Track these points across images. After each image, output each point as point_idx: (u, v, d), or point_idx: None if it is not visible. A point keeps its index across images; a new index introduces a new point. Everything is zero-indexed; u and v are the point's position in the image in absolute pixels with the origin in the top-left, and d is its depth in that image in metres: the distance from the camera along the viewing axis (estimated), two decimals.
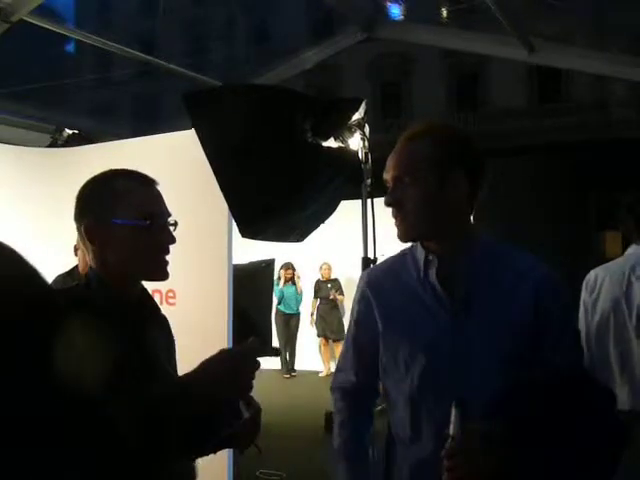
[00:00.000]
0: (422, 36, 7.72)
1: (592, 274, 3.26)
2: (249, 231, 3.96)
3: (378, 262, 2.41)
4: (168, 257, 1.69)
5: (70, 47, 32.90)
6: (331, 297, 10.72)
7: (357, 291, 2.06)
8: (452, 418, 1.58)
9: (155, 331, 1.75)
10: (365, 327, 2.00)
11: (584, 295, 3.23)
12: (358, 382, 2.08)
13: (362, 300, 2.01)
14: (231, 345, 4.94)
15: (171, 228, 1.70)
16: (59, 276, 3.51)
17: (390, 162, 1.86)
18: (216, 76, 7.94)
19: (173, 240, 1.68)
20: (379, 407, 2.17)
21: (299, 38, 23.10)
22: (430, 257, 1.85)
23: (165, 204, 1.72)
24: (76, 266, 3.44)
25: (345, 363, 2.12)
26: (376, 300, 1.96)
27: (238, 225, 3.97)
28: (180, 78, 8.04)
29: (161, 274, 1.69)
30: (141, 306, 1.71)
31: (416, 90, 27.06)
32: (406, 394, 1.87)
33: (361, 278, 2.08)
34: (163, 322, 1.84)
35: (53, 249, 4.68)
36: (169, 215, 1.71)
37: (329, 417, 6.80)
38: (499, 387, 1.72)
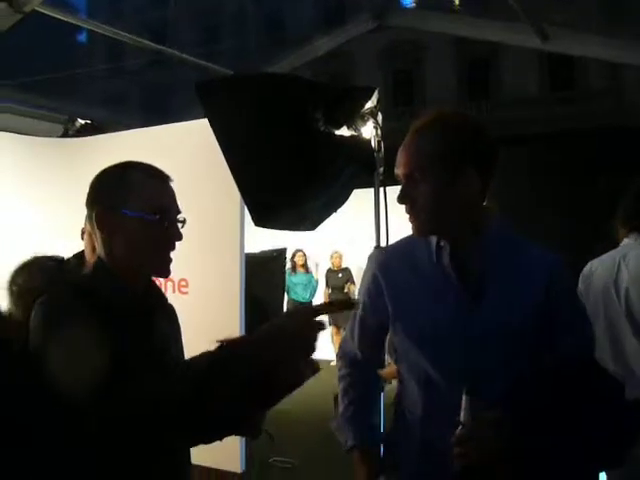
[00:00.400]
0: (434, 24, 7.69)
1: (588, 266, 3.27)
2: (262, 220, 3.96)
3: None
4: (176, 251, 1.70)
5: (82, 37, 32.94)
6: (345, 290, 10.72)
7: (367, 272, 2.06)
8: (463, 405, 1.59)
9: (163, 321, 1.76)
10: (374, 308, 2.01)
11: (580, 286, 3.23)
12: (364, 358, 2.13)
13: (372, 281, 2.01)
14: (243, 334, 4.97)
15: (179, 225, 1.71)
16: (71, 257, 3.53)
17: (400, 158, 1.85)
18: (228, 65, 7.94)
19: (180, 237, 1.69)
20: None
21: (311, 26, 23.02)
22: (442, 243, 1.86)
23: (176, 201, 1.73)
24: (82, 251, 3.47)
25: (351, 338, 2.15)
26: (387, 283, 1.96)
27: (251, 214, 3.98)
28: (192, 67, 8.05)
29: (164, 270, 1.70)
30: (148, 296, 1.72)
31: (428, 77, 26.96)
32: (419, 377, 1.88)
33: (370, 259, 2.08)
34: (171, 312, 1.85)
35: (65, 239, 4.71)
36: (179, 212, 1.72)
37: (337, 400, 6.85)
38: (511, 372, 1.73)
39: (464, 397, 1.59)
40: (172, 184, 1.73)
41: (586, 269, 3.26)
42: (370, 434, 2.06)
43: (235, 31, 29.89)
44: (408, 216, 1.86)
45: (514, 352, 1.77)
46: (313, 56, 8.07)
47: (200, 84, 3.85)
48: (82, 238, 3.43)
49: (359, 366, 2.15)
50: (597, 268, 3.16)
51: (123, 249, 1.63)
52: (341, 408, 2.12)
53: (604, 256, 3.19)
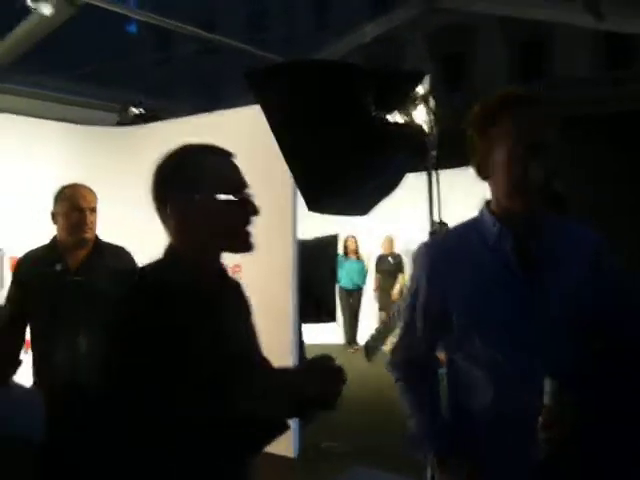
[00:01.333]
0: (484, 5, 7.58)
1: None
2: (315, 205, 3.98)
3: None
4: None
5: (133, 27, 33.27)
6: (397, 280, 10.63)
7: (421, 261, 2.02)
8: (547, 389, 1.58)
9: (233, 300, 1.77)
10: (434, 299, 1.97)
11: None
12: (427, 353, 2.08)
13: (431, 272, 1.98)
14: (295, 320, 5.00)
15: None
16: (34, 250, 3.45)
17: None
18: (275, 51, 7.96)
19: (257, 211, 1.68)
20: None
21: (360, 10, 22.88)
22: (504, 231, 1.84)
23: (243, 175, 1.71)
24: (55, 236, 3.41)
25: (411, 336, 2.08)
26: (445, 273, 1.93)
27: (304, 199, 3.99)
28: (241, 54, 8.09)
29: (246, 246, 1.68)
30: (220, 279, 1.73)
31: (479, 60, 26.60)
32: (485, 365, 1.86)
33: (423, 249, 2.04)
34: (240, 293, 1.86)
35: (121, 226, 4.78)
36: (247, 186, 1.70)
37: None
38: (580, 352, 1.74)
39: (547, 381, 1.58)
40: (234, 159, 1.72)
41: None
42: (460, 445, 1.95)
43: (282, 17, 29.88)
44: None
45: (580, 330, 1.77)
46: (361, 42, 8.04)
47: (250, 72, 3.86)
48: (54, 222, 3.35)
49: (423, 370, 2.10)
50: None
51: (203, 233, 1.62)
52: (417, 419, 2.04)
53: None
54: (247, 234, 1.67)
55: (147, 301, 1.48)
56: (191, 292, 1.56)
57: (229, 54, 9.48)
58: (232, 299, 1.76)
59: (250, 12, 31.08)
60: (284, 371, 1.68)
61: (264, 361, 1.84)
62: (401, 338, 2.14)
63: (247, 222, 1.67)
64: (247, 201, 1.67)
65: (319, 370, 1.60)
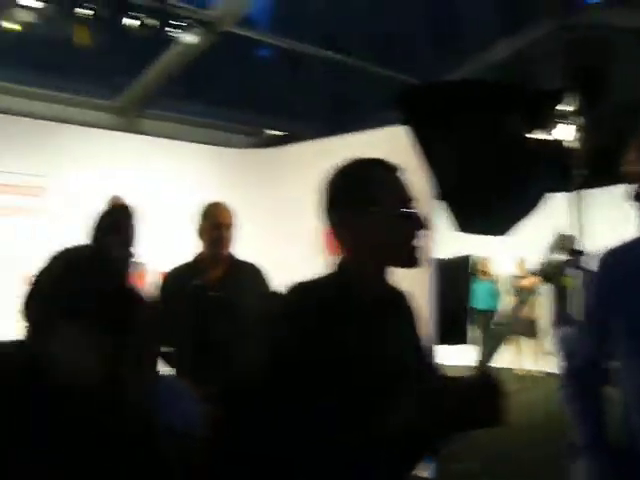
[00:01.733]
0: (621, 19, 7.35)
1: None
2: (459, 225, 3.96)
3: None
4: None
5: (265, 51, 34.21)
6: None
7: (597, 272, 2.00)
8: None
9: (400, 314, 1.74)
10: (604, 310, 1.94)
11: None
12: (599, 364, 2.01)
13: (601, 285, 1.97)
14: (434, 338, 4.96)
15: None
16: (179, 265, 3.51)
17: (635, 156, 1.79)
18: (407, 73, 7.99)
19: (424, 226, 1.64)
20: None
21: (491, 29, 22.58)
22: None
23: (412, 190, 1.68)
24: (201, 252, 3.47)
25: (585, 345, 2.06)
26: (615, 285, 1.90)
27: (452, 219, 3.97)
28: (373, 76, 8.17)
29: (413, 261, 1.63)
30: (388, 292, 1.72)
31: (616, 76, 25.66)
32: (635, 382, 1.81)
33: (594, 263, 2.01)
34: (406, 303, 1.81)
35: (259, 247, 4.88)
36: (415, 201, 1.66)
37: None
38: None
39: None
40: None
41: None
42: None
43: (412, 39, 29.92)
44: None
45: None
46: (494, 59, 7.96)
47: (402, 93, 3.91)
48: (200, 238, 3.40)
49: (594, 380, 2.03)
50: None
51: (373, 248, 1.61)
52: (580, 431, 1.99)
53: None
54: (414, 249, 1.63)
55: (319, 315, 1.50)
56: (359, 306, 1.58)
57: (360, 76, 9.58)
58: (399, 313, 1.75)
59: (380, 34, 31.28)
60: (447, 387, 1.64)
61: (432, 371, 1.82)
62: (577, 347, 2.12)
63: (415, 237, 1.63)
64: (416, 216, 1.64)
65: (481, 387, 1.55)
